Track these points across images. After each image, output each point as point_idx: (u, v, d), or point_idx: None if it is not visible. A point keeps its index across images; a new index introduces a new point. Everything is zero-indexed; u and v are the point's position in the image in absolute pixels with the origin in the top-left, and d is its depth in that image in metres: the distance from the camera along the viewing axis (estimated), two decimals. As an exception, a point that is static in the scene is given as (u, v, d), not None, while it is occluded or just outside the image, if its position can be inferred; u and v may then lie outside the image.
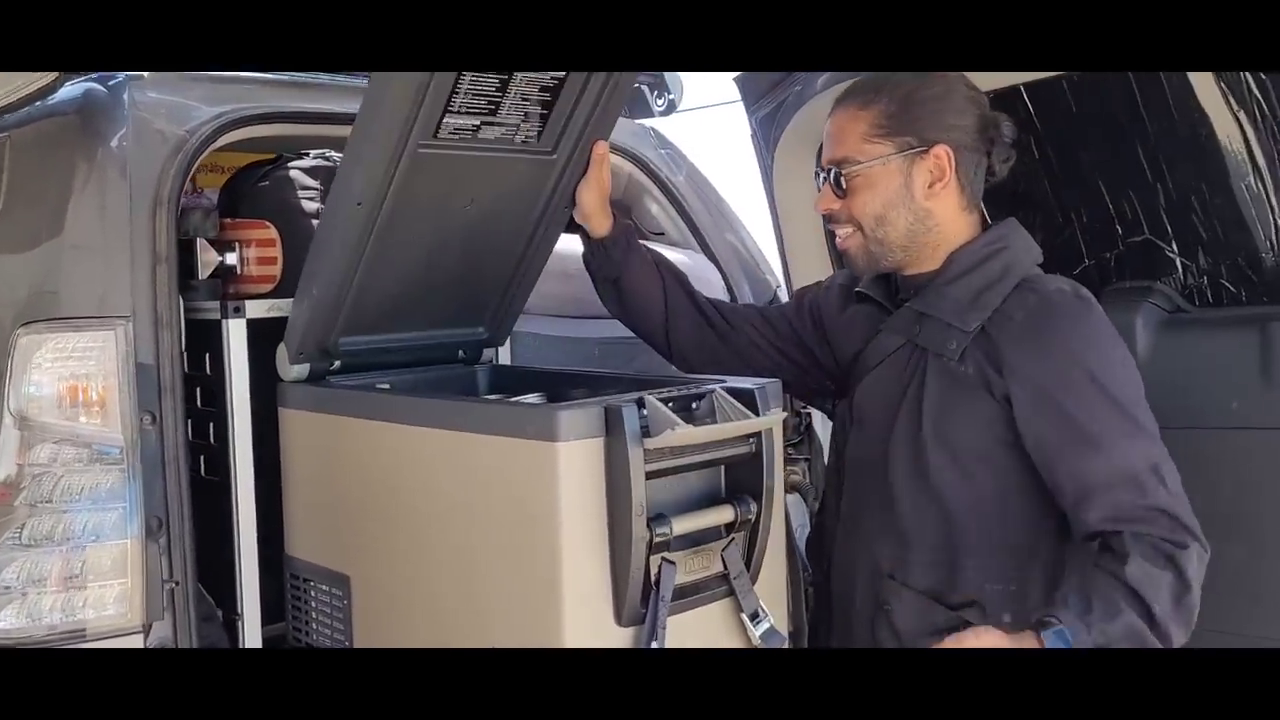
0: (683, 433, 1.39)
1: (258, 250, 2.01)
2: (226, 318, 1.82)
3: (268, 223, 1.99)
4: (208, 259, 1.97)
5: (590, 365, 2.27)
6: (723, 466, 1.56)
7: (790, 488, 2.70)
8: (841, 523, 1.71)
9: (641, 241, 1.92)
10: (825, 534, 1.77)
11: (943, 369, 1.58)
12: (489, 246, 1.85)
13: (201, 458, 1.89)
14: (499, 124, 1.67)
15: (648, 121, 2.75)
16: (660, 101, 2.71)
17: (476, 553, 1.49)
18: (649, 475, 1.40)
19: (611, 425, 1.39)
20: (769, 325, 1.88)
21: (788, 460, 2.69)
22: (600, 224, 1.85)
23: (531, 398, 1.84)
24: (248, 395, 1.82)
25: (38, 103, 2.02)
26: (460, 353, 2.02)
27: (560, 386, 1.84)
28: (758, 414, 1.52)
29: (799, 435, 2.67)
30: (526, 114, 1.69)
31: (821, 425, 2.54)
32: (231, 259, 1.99)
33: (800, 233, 2.37)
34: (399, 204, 1.65)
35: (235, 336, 1.82)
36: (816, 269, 2.34)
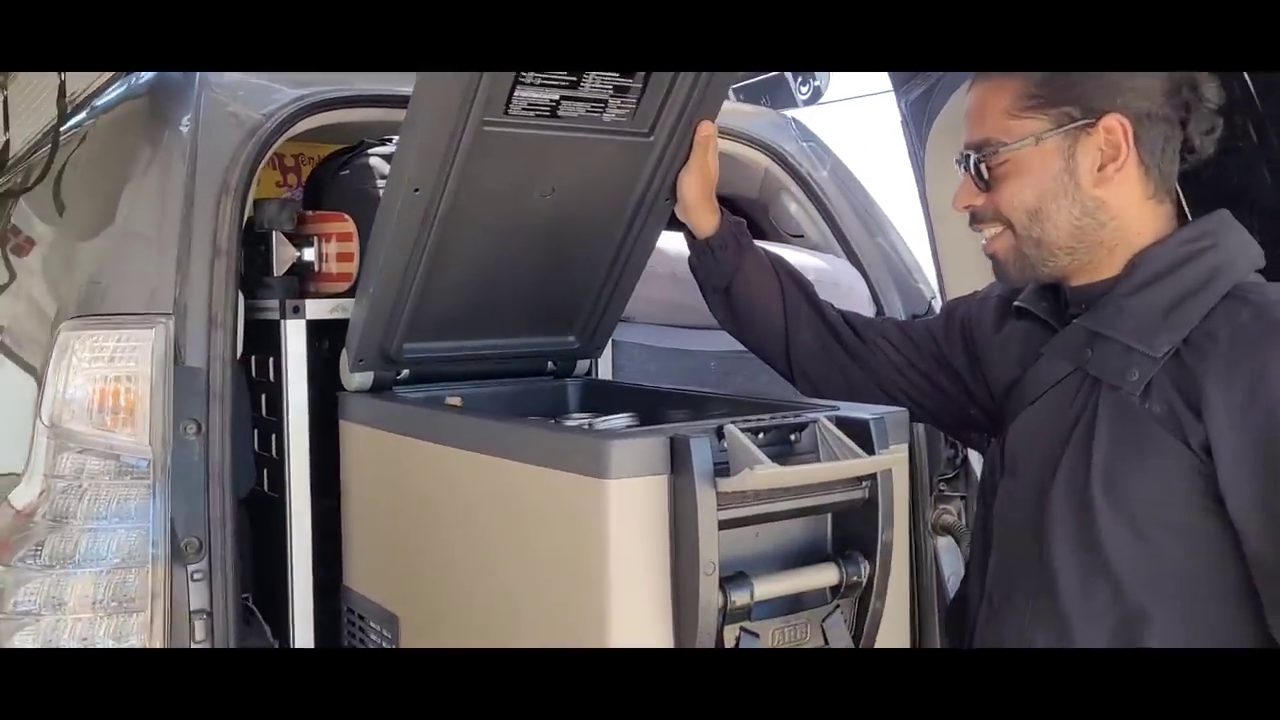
0: (767, 473, 1.11)
1: (338, 245, 1.83)
2: (285, 318, 1.64)
3: (346, 215, 1.80)
4: (284, 255, 1.81)
5: (705, 383, 2.01)
6: (828, 515, 1.27)
7: (942, 529, 2.37)
8: (986, 598, 1.35)
9: (757, 242, 1.64)
10: (968, 609, 1.41)
11: (1120, 406, 1.21)
12: (575, 242, 1.62)
13: (265, 471, 1.72)
14: (582, 99, 1.43)
15: (790, 111, 2.47)
16: (804, 89, 2.42)
17: (522, 606, 1.24)
18: (725, 524, 1.12)
19: (678, 460, 1.12)
20: (910, 343, 1.56)
21: (940, 498, 2.36)
22: (705, 221, 1.58)
23: (620, 419, 1.59)
24: (305, 405, 1.63)
25: (120, 86, 1.91)
26: (550, 364, 1.79)
27: (660, 407, 1.59)
28: (872, 451, 1.22)
29: (954, 469, 2.33)
30: (616, 88, 1.44)
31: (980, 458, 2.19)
32: (310, 254, 1.82)
33: (956, 235, 2.02)
34: (463, 190, 1.43)
35: (294, 338, 1.64)
36: (975, 277, 2.01)
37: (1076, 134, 1.24)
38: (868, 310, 2.19)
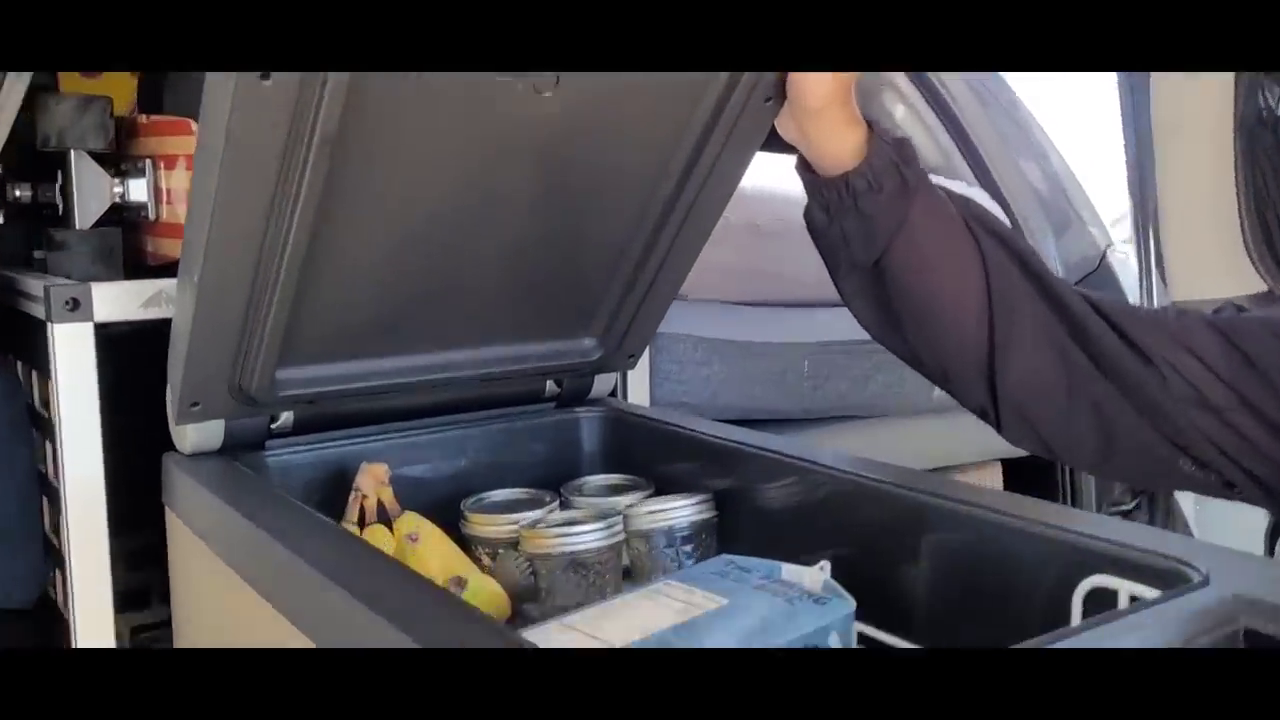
0: None
1: (188, 174, 1.08)
2: (53, 319, 0.89)
3: (193, 122, 1.05)
4: (95, 191, 1.06)
5: (796, 394, 1.28)
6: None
7: None
8: None
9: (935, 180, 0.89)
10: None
11: None
12: (596, 181, 0.87)
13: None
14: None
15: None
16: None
17: None
18: None
19: None
20: (1242, 361, 0.82)
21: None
22: (839, 138, 0.82)
23: (677, 506, 0.87)
24: (98, 471, 0.90)
25: None
26: (552, 384, 1.06)
27: (729, 472, 0.86)
28: None
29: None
30: None
31: None
32: (139, 191, 1.07)
33: (1195, 155, 1.27)
34: (378, 85, 0.68)
35: (71, 353, 0.89)
36: (1217, 226, 1.26)
37: None
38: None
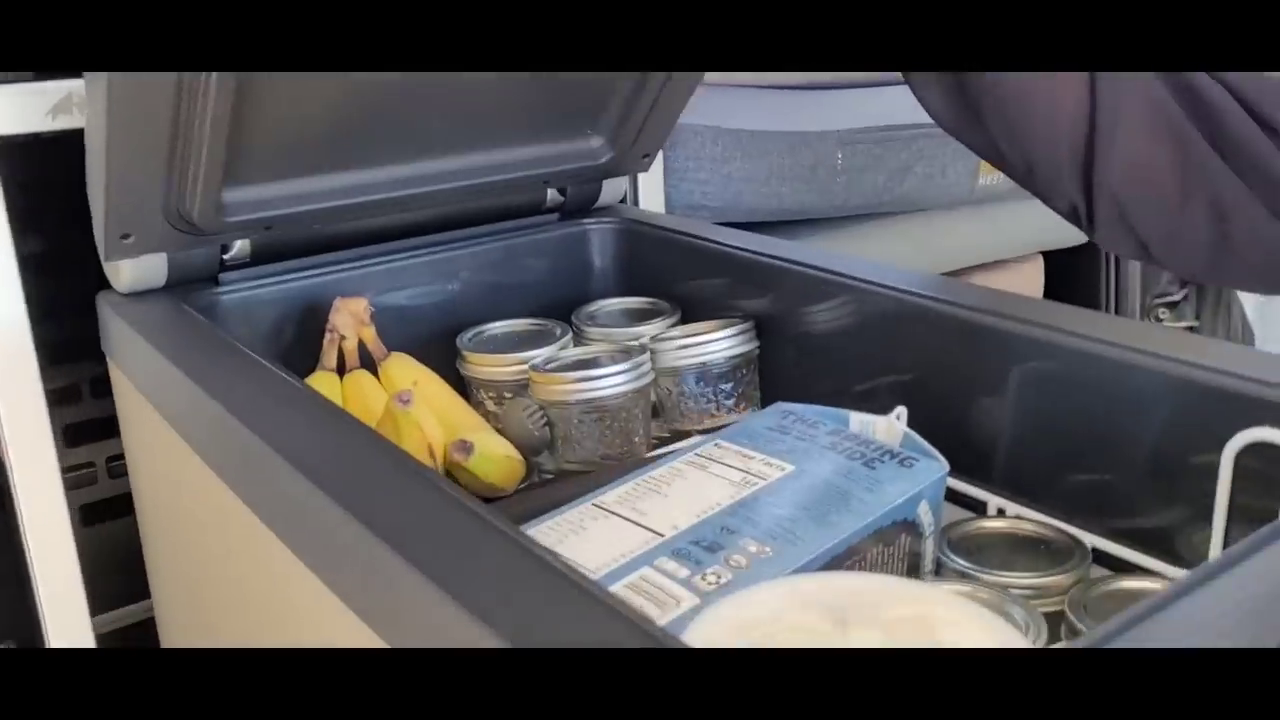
0: None
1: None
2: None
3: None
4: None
5: (829, 193, 1.12)
6: None
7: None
8: None
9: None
10: None
11: None
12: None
13: None
14: None
15: None
16: None
17: None
18: None
19: None
20: None
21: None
22: None
23: (693, 335, 0.74)
24: (23, 317, 0.75)
25: None
26: (554, 193, 0.90)
27: (758, 289, 0.73)
28: None
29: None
30: None
31: None
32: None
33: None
34: None
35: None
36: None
37: None
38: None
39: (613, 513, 0.54)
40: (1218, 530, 0.56)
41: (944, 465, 0.58)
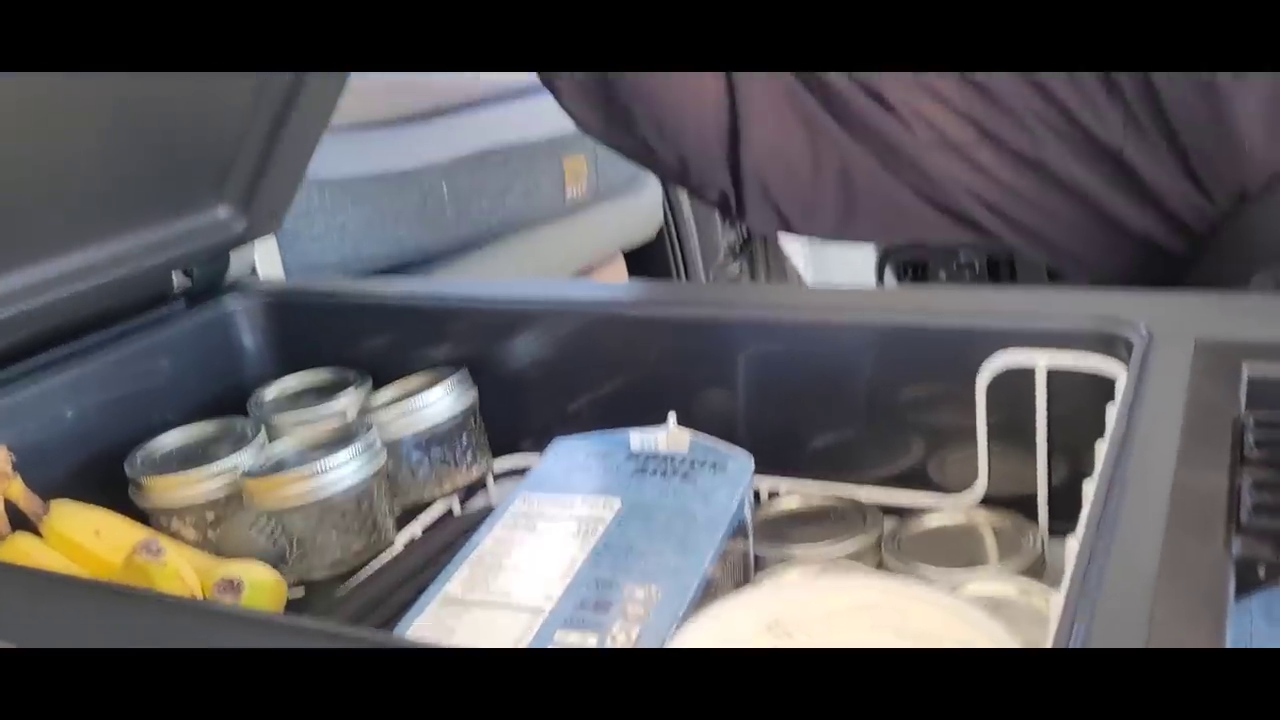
0: None
1: None
2: None
3: None
4: None
5: (438, 223, 1.08)
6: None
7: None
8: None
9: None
10: None
11: None
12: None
13: None
14: None
15: None
16: None
17: None
18: None
19: None
20: (967, 91, 0.77)
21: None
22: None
23: (404, 397, 0.68)
24: None
25: None
26: (180, 275, 0.78)
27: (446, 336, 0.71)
28: None
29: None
30: None
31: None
32: None
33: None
34: None
35: None
36: None
37: None
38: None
39: (473, 602, 0.48)
40: (982, 453, 0.62)
41: (749, 457, 0.58)
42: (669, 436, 0.61)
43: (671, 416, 0.62)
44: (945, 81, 0.78)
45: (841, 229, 0.84)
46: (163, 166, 0.70)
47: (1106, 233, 0.79)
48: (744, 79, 0.77)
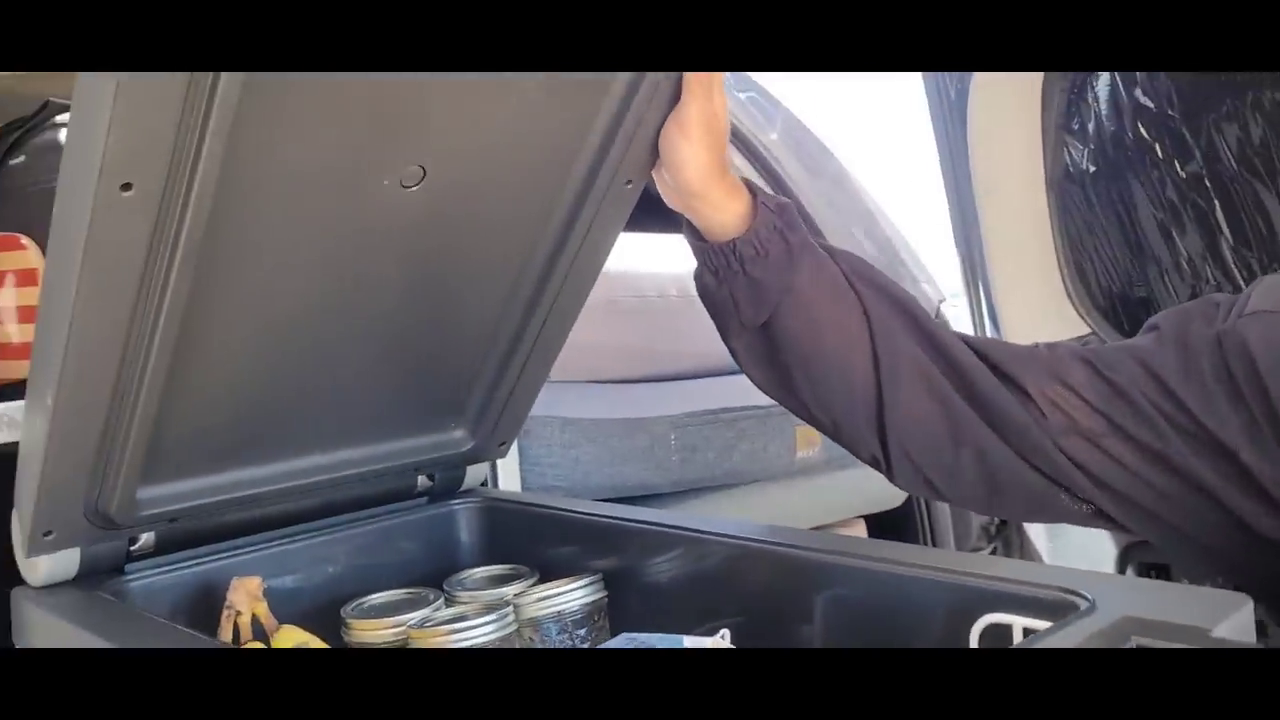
0: None
1: (17, 291, 1.02)
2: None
3: (24, 238, 1.00)
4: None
5: (664, 467, 1.29)
6: None
7: None
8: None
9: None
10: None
11: None
12: (462, 269, 0.87)
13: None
14: None
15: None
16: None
17: None
18: None
19: None
20: (1119, 398, 0.84)
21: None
22: (724, 204, 0.84)
23: (568, 593, 0.86)
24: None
25: None
26: (424, 479, 1.03)
27: (614, 549, 0.87)
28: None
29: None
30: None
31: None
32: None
33: (1014, 211, 1.36)
34: (236, 182, 0.66)
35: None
36: (1041, 276, 1.35)
37: None
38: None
39: None
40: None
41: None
42: (711, 645, 0.75)
43: (724, 631, 0.76)
44: (1077, 371, 0.86)
45: (989, 506, 0.92)
46: (415, 391, 0.96)
47: (1237, 530, 0.83)
48: (887, 349, 0.88)
